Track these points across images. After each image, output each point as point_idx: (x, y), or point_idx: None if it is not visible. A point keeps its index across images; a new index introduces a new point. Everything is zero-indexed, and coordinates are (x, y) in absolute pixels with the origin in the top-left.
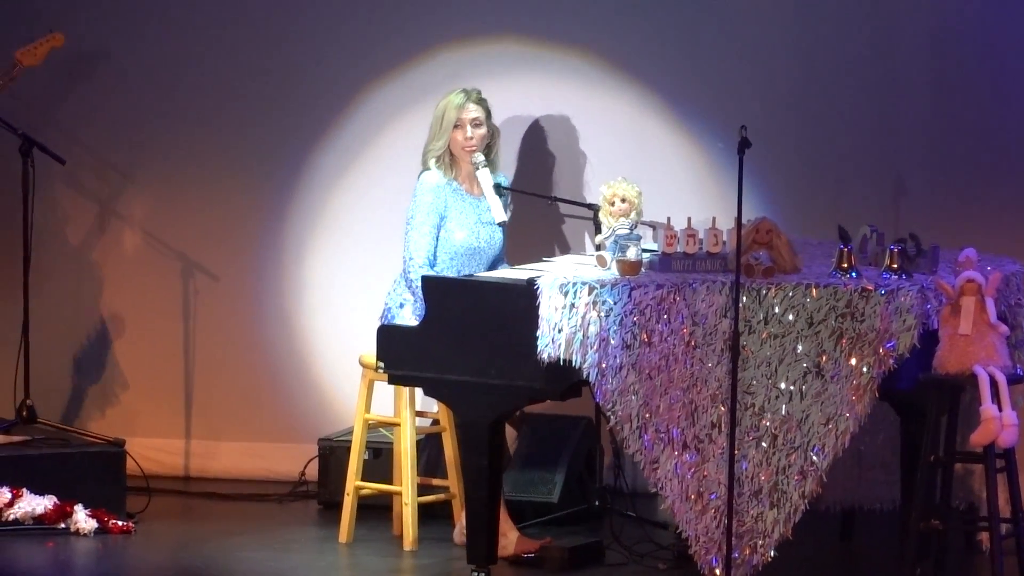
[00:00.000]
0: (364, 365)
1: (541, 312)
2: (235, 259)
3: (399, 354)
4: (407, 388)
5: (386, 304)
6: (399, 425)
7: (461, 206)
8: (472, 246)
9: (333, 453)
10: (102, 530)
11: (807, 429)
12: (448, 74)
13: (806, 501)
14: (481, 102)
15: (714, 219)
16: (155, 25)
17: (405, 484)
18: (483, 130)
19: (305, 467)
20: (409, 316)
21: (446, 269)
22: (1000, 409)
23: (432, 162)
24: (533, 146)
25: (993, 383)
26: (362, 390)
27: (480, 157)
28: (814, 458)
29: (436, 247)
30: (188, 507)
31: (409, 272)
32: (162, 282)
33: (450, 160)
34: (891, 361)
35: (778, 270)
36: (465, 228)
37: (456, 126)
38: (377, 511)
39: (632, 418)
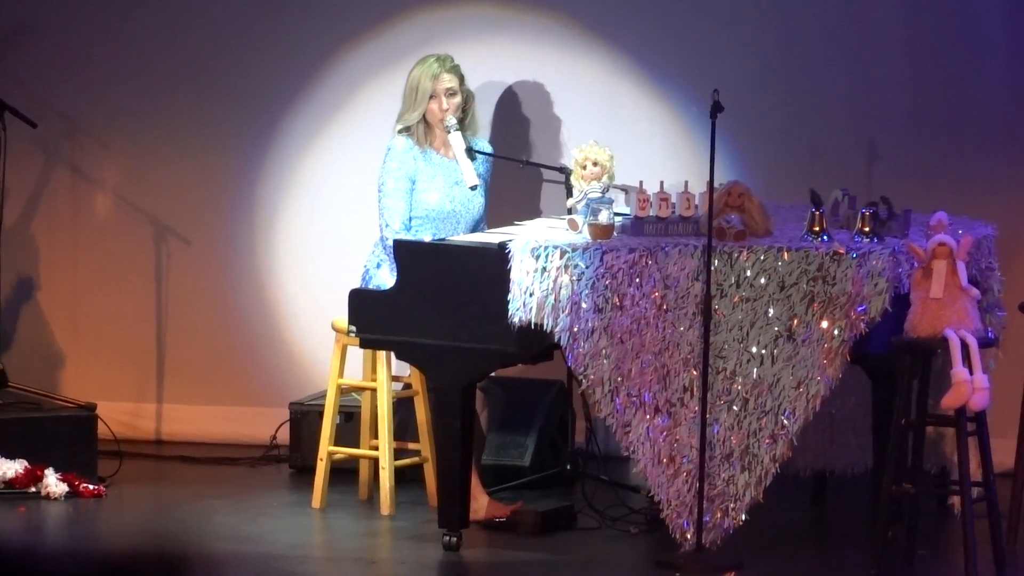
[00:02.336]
0: (337, 330)
1: (513, 276)
2: (207, 223)
3: (371, 318)
4: (383, 352)
5: (365, 266)
6: (371, 389)
7: (433, 170)
8: (446, 209)
9: (305, 417)
10: (73, 494)
11: (778, 393)
12: (421, 37)
13: (777, 465)
14: (454, 70)
15: (686, 183)
16: None
17: (382, 449)
18: (457, 99)
19: (276, 431)
20: (387, 276)
21: (421, 233)
22: (971, 373)
23: (399, 129)
24: (506, 110)
25: (964, 346)
26: (335, 355)
27: (452, 120)
28: (785, 422)
29: (410, 211)
30: (160, 471)
31: (387, 239)
32: (134, 246)
33: (424, 129)
34: (862, 325)
35: (750, 234)
36: (438, 191)
37: (431, 96)
38: (348, 475)
39: (604, 382)
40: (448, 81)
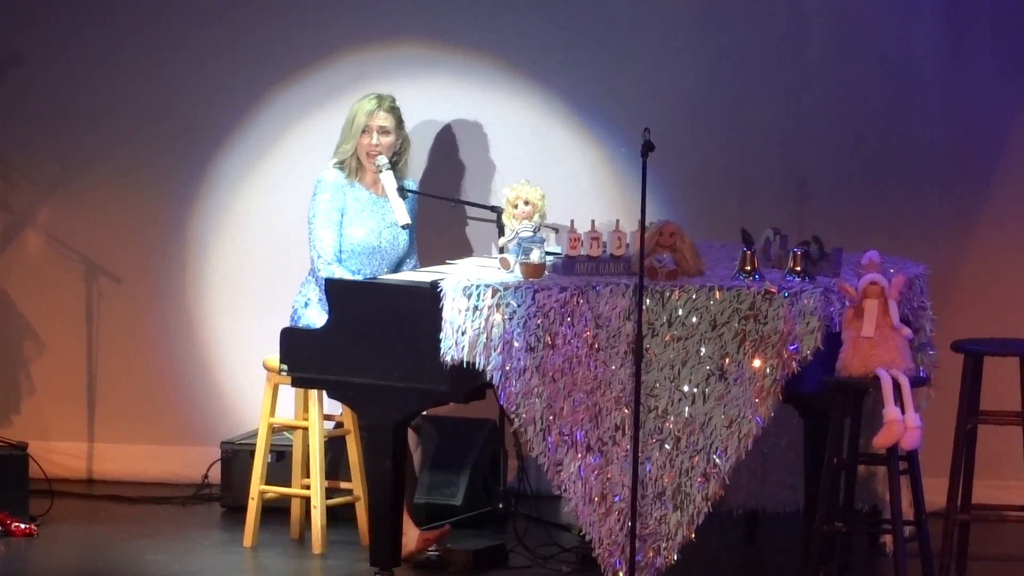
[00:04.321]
0: (268, 368)
1: (444, 314)
2: (138, 262)
3: (303, 356)
4: (315, 391)
5: (293, 306)
6: (302, 428)
7: (361, 205)
8: (372, 245)
9: (236, 456)
10: (5, 533)
11: (710, 431)
12: (352, 77)
13: (709, 503)
14: (393, 110)
15: (617, 222)
16: (60, 28)
17: (314, 487)
18: (390, 138)
19: (208, 470)
20: (315, 315)
21: (346, 266)
22: (903, 412)
23: (334, 163)
24: (437, 148)
25: (896, 386)
26: (267, 393)
27: (383, 160)
28: (717, 460)
29: (341, 243)
30: (91, 510)
31: (319, 271)
32: (65, 285)
33: (356, 164)
34: (794, 363)
35: (681, 273)
36: (365, 227)
37: (363, 131)
38: (279, 514)
39: (536, 420)
40: (382, 119)
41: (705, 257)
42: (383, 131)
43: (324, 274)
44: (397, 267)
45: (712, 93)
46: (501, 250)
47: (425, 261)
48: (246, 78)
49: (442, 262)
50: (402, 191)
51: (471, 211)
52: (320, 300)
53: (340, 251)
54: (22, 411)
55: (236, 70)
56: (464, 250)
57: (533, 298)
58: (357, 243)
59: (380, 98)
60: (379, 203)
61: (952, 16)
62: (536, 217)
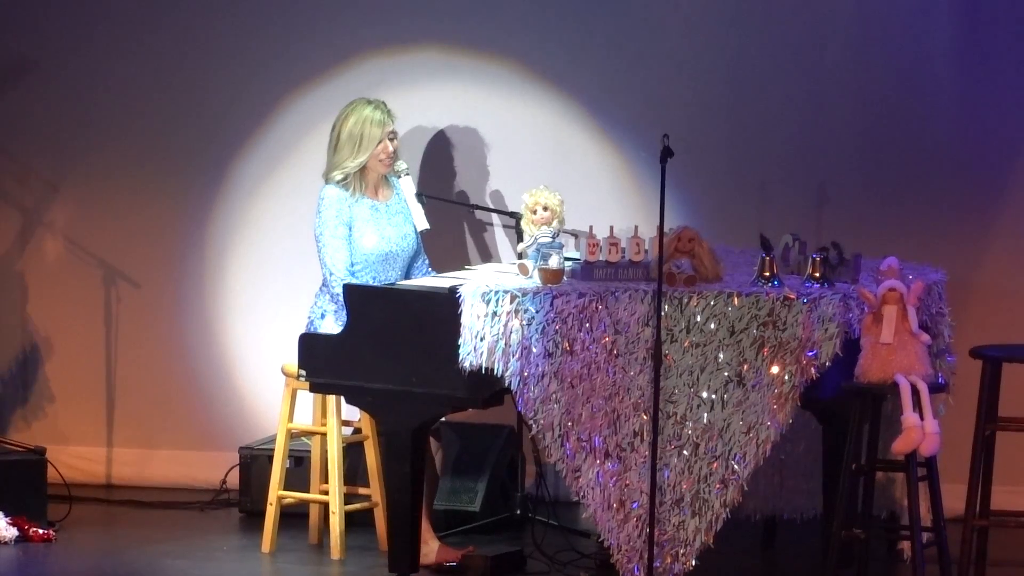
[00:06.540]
0: (286, 374)
1: (463, 320)
2: (157, 267)
3: (321, 362)
4: (333, 396)
5: (309, 317)
6: (321, 434)
7: (366, 213)
8: (384, 251)
9: (254, 461)
10: (23, 538)
11: (728, 438)
12: (370, 82)
13: (727, 510)
14: (392, 113)
15: (636, 227)
16: (79, 33)
17: (332, 493)
18: (396, 141)
19: (226, 475)
20: (331, 326)
21: (361, 277)
22: (922, 418)
23: (339, 178)
24: (455, 154)
25: (915, 392)
26: (285, 399)
27: (403, 165)
28: (735, 467)
29: (352, 257)
30: (109, 515)
31: (333, 287)
32: (84, 290)
33: (360, 174)
34: (813, 370)
35: (700, 279)
36: (375, 234)
37: (379, 142)
38: (298, 519)
39: (554, 426)
40: (391, 125)
41: (724, 263)
42: (392, 136)
43: (339, 290)
44: (409, 268)
45: (731, 98)
46: (520, 256)
47: (444, 267)
48: (263, 83)
49: (461, 268)
50: (420, 196)
51: (490, 217)
52: (336, 312)
53: (352, 264)
54: (40, 416)
55: (253, 75)
56: (483, 256)
57: (551, 304)
58: (369, 252)
59: (376, 105)
60: (383, 208)
61: (970, 21)
62: (555, 223)
